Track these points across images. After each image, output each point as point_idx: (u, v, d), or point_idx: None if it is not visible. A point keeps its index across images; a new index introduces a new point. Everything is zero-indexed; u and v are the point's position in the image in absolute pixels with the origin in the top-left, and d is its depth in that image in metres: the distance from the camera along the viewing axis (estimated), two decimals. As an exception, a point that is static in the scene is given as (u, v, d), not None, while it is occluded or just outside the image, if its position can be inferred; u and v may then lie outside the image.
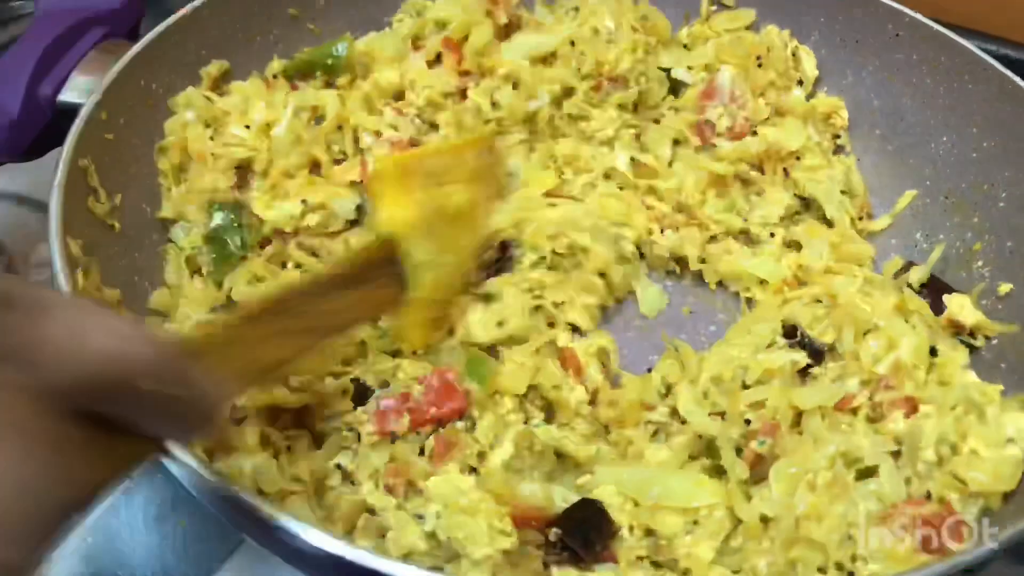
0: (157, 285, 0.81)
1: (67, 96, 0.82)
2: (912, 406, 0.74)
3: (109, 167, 0.78)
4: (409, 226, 0.73)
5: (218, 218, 0.84)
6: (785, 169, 0.98)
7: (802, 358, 0.79)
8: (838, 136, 1.03)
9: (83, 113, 0.76)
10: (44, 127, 0.82)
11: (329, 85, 0.95)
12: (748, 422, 0.74)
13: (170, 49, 0.87)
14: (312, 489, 0.70)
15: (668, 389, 0.81)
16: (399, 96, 0.95)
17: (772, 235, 0.94)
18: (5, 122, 0.79)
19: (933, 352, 0.80)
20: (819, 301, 0.84)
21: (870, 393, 0.76)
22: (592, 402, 0.78)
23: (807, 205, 0.98)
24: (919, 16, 0.97)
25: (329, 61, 0.94)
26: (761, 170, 0.97)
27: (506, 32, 1.00)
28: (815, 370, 0.80)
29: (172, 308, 0.79)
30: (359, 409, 0.73)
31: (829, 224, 0.95)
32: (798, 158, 0.98)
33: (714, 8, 1.08)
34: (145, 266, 0.81)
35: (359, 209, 0.90)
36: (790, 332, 0.82)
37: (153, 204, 0.85)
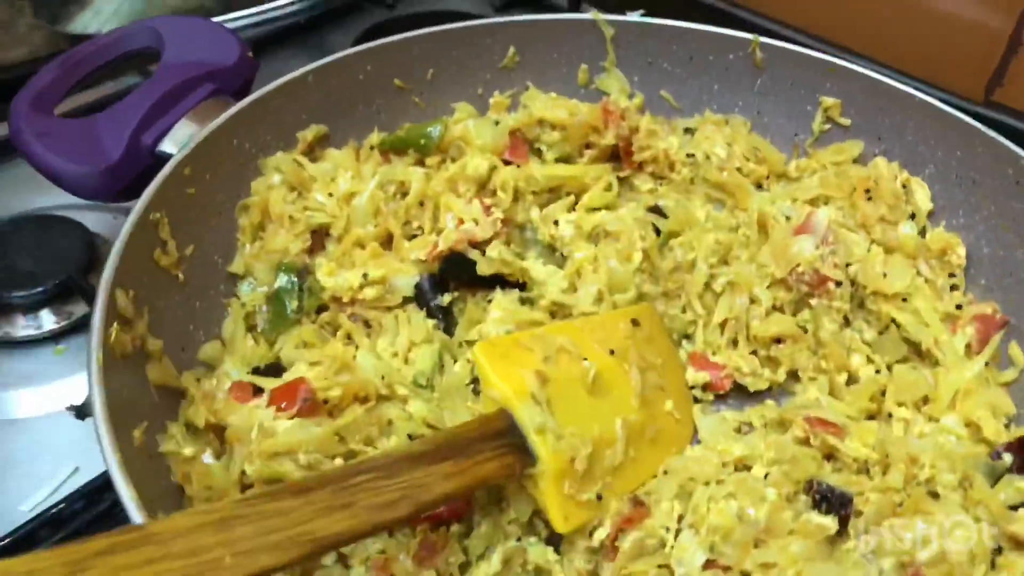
0: (210, 337, 0.86)
1: (165, 146, 0.89)
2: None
3: (185, 220, 0.83)
4: (519, 396, 0.73)
5: (282, 280, 0.88)
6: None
7: (831, 524, 0.74)
8: (953, 275, 0.96)
9: (166, 169, 0.81)
10: (140, 173, 0.88)
11: (420, 163, 0.98)
12: (751, 586, 0.69)
13: (271, 111, 0.93)
14: (298, 568, 0.71)
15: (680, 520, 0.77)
16: (483, 184, 0.96)
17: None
18: (103, 167, 0.86)
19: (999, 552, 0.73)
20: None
21: (902, 585, 0.70)
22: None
23: (917, 350, 0.92)
24: (1044, 166, 0.89)
25: (423, 142, 0.97)
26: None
27: (613, 153, 0.99)
28: (848, 543, 0.74)
29: (219, 362, 0.83)
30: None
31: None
32: (904, 299, 0.92)
33: (827, 127, 1.04)
34: (203, 317, 0.85)
35: (417, 287, 0.91)
36: (807, 487, 0.77)
37: (226, 258, 0.90)
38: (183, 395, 0.78)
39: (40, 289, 1.07)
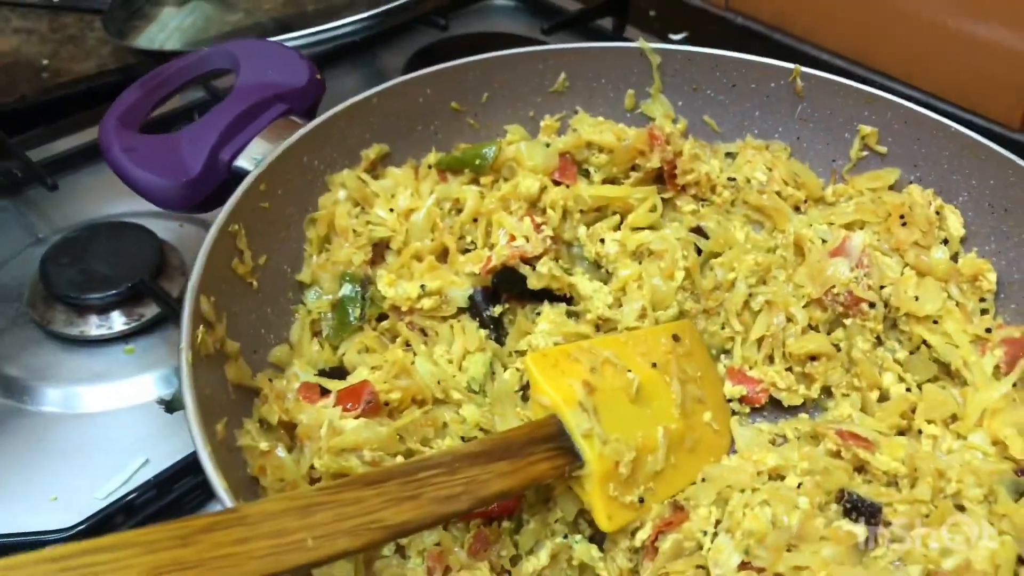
0: (280, 340, 0.92)
1: (241, 162, 0.95)
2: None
3: (260, 232, 0.90)
4: (567, 403, 0.79)
5: (346, 289, 0.94)
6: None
7: (861, 532, 0.78)
8: (984, 299, 1.00)
9: (244, 185, 0.88)
10: (218, 187, 0.95)
11: (474, 182, 1.04)
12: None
13: (337, 131, 0.99)
14: (362, 555, 0.77)
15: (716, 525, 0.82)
16: (533, 202, 1.02)
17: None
18: (185, 180, 0.92)
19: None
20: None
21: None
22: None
23: (947, 370, 0.96)
24: (1074, 198, 0.93)
25: (477, 162, 1.03)
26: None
27: (657, 175, 1.05)
28: (878, 550, 0.78)
29: (287, 364, 0.89)
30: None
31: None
32: (935, 321, 0.96)
33: (864, 154, 1.08)
34: (274, 321, 0.92)
35: (471, 299, 0.96)
36: (838, 496, 0.81)
37: (294, 267, 0.96)
38: (256, 394, 0.84)
39: (114, 292, 1.14)
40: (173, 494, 0.96)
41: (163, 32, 1.78)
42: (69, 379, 1.11)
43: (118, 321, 1.15)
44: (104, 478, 1.01)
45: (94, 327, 1.15)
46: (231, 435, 0.76)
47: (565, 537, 0.79)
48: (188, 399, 0.68)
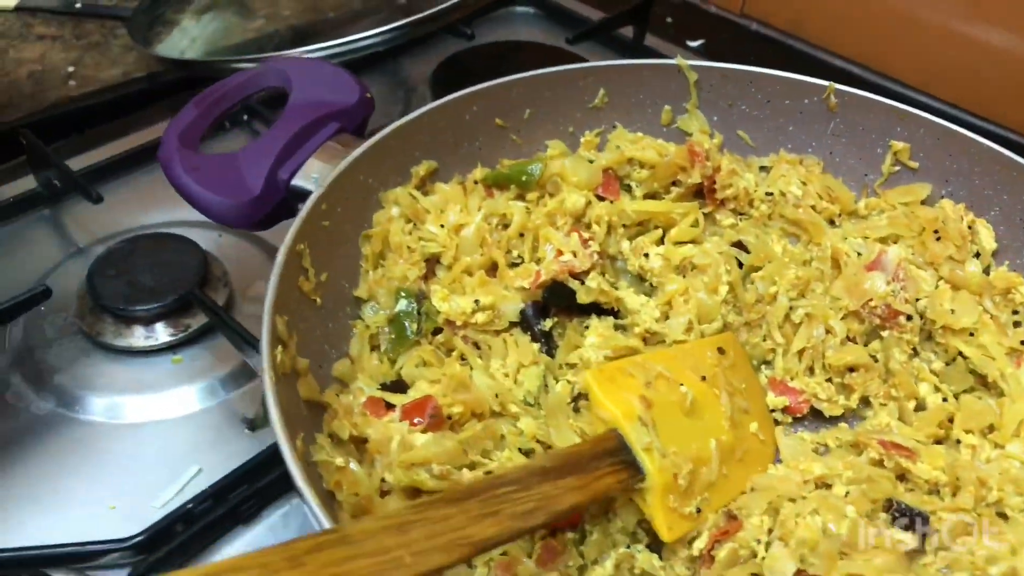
0: (341, 355, 0.94)
1: (298, 181, 0.97)
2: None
3: (321, 250, 0.92)
4: (627, 418, 0.82)
5: (402, 304, 0.97)
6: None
7: (910, 540, 0.81)
8: (1016, 312, 1.03)
9: (308, 205, 0.90)
10: (276, 205, 0.97)
11: (520, 197, 1.07)
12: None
13: (389, 149, 1.02)
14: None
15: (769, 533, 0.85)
16: (578, 217, 1.04)
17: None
18: (248, 199, 0.94)
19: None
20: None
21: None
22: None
23: (983, 381, 0.99)
24: (1106, 215, 0.96)
25: (524, 178, 1.05)
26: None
27: (697, 190, 1.08)
28: (926, 558, 0.81)
29: (351, 379, 0.92)
30: (463, 482, 0.83)
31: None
32: (971, 334, 1.00)
33: (896, 169, 1.11)
34: (334, 336, 0.94)
35: (522, 313, 0.99)
36: (886, 505, 0.84)
37: (351, 283, 0.98)
38: (324, 409, 0.87)
39: (161, 303, 1.16)
40: (229, 503, 0.98)
41: (184, 38, 1.80)
42: (119, 389, 1.13)
43: (165, 332, 1.18)
44: (159, 487, 1.03)
45: (142, 338, 1.17)
46: (307, 450, 0.79)
47: (628, 547, 0.82)
48: (276, 420, 0.71)
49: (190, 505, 0.97)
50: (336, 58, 1.43)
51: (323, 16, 1.89)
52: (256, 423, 0.96)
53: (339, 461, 0.79)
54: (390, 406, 0.88)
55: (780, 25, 1.89)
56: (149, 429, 1.10)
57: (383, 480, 0.82)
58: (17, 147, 1.42)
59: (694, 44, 1.85)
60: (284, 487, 1.01)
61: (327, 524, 0.65)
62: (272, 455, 1.00)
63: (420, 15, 1.48)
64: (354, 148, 0.98)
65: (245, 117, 1.54)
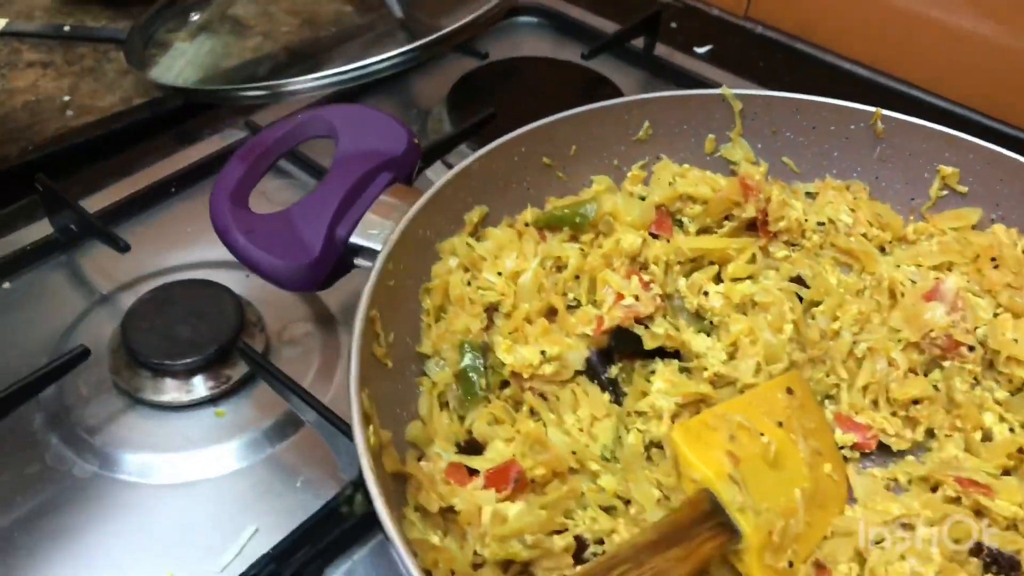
0: (411, 415, 0.92)
1: (357, 239, 0.95)
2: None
3: (387, 310, 0.90)
4: (719, 478, 0.81)
5: (467, 358, 0.95)
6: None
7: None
8: None
9: (377, 266, 0.88)
10: (335, 263, 0.94)
11: (574, 239, 1.05)
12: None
13: (445, 198, 0.99)
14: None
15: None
16: (634, 256, 1.03)
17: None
18: (307, 261, 0.92)
19: None
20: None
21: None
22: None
23: None
24: None
25: (577, 219, 1.03)
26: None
27: (751, 224, 1.07)
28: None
29: (425, 442, 0.90)
30: (578, 568, 0.82)
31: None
32: None
33: (944, 193, 1.11)
34: (404, 397, 0.92)
35: (588, 361, 0.98)
36: (975, 549, 0.85)
37: (414, 339, 0.96)
38: (405, 479, 0.85)
39: (203, 356, 1.13)
40: (292, 567, 0.96)
41: (180, 60, 1.75)
42: (163, 447, 1.10)
43: (205, 385, 1.15)
44: (217, 551, 1.00)
45: (184, 392, 1.14)
46: (402, 530, 0.77)
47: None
48: (381, 509, 0.69)
49: (253, 572, 0.95)
50: (343, 84, 1.41)
51: (322, 32, 1.85)
52: (356, 507, 0.93)
53: (435, 539, 0.78)
54: (472, 472, 0.86)
55: (787, 28, 1.89)
56: (198, 488, 1.07)
57: (475, 552, 0.80)
58: (25, 186, 1.36)
59: (701, 50, 1.84)
60: (344, 546, 0.99)
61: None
62: (330, 513, 0.98)
63: (431, 37, 1.45)
64: (409, 199, 0.96)
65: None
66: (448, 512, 0.83)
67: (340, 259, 0.95)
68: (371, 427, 0.76)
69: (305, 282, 0.92)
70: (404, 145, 1.00)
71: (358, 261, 0.96)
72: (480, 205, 1.04)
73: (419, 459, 0.87)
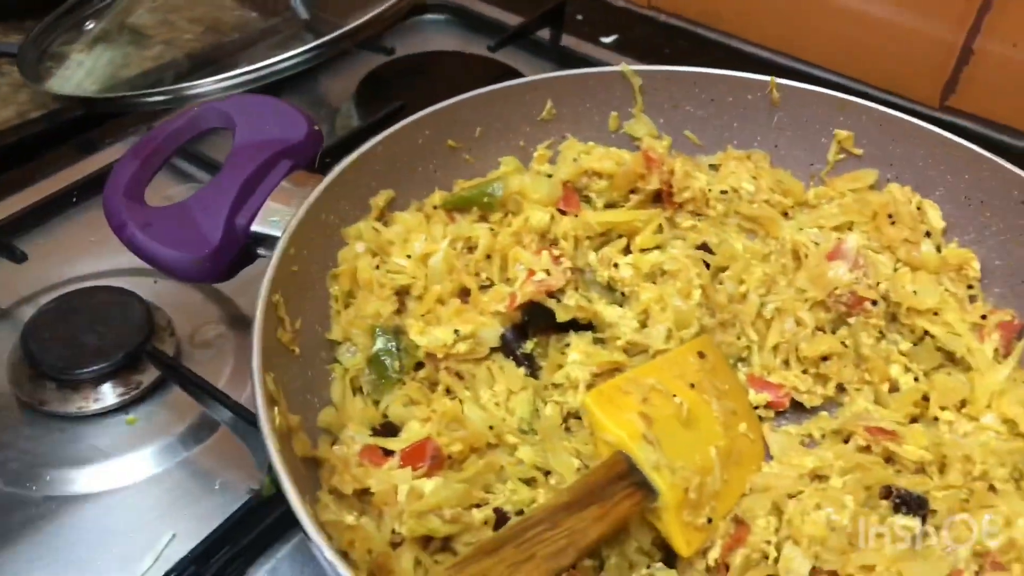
0: (324, 402, 0.91)
1: (258, 226, 0.93)
2: (1022, 593, 0.77)
3: (293, 296, 0.88)
4: (633, 439, 0.81)
5: (380, 342, 0.94)
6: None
7: (916, 525, 0.83)
8: (971, 286, 1.07)
9: (277, 251, 0.86)
10: (237, 254, 0.92)
11: (482, 219, 1.04)
12: (859, 590, 0.79)
13: (348, 182, 0.98)
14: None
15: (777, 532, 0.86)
16: (543, 234, 1.03)
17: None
18: (207, 251, 0.89)
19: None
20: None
21: (978, 568, 0.80)
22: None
23: (950, 357, 1.02)
24: (1047, 190, 1.01)
25: (485, 199, 1.03)
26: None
27: (655, 196, 1.08)
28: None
29: (338, 427, 0.88)
30: (497, 532, 0.81)
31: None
32: (935, 313, 1.03)
33: (841, 156, 1.14)
34: (315, 384, 0.91)
35: (503, 338, 0.97)
36: (884, 492, 0.87)
37: (324, 326, 0.95)
38: (319, 464, 0.83)
39: (109, 363, 1.10)
40: (212, 568, 0.94)
41: (80, 71, 1.70)
42: (73, 459, 1.06)
43: (114, 393, 1.11)
44: (134, 560, 0.98)
45: (92, 401, 1.10)
46: (314, 512, 0.75)
47: (648, 567, 0.82)
48: (288, 488, 0.67)
49: (172, 575, 0.92)
50: (249, 85, 1.38)
51: (224, 38, 1.82)
52: (263, 491, 0.91)
53: (349, 520, 0.76)
54: (388, 453, 0.85)
55: (690, 15, 1.92)
56: (113, 498, 1.04)
57: (393, 531, 0.79)
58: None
59: (607, 40, 1.86)
60: (266, 543, 0.97)
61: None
62: (248, 512, 0.95)
63: (334, 35, 1.43)
64: (311, 185, 0.94)
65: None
66: (364, 494, 0.82)
67: (242, 249, 0.93)
68: (276, 409, 0.75)
69: (205, 273, 0.90)
70: (304, 131, 0.99)
71: (261, 251, 0.94)
72: (386, 189, 1.03)
73: (332, 444, 0.86)
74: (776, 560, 0.84)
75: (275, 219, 0.92)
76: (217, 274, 0.92)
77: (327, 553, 0.64)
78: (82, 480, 1.05)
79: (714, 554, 0.84)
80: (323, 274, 0.96)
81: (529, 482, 0.88)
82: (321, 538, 0.65)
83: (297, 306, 0.89)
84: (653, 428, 0.83)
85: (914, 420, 0.99)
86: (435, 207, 1.05)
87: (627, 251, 1.07)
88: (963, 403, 0.98)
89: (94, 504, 1.03)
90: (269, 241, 0.91)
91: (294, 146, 0.99)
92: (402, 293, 0.99)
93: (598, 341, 1.00)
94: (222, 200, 0.92)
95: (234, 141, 0.97)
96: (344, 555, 0.76)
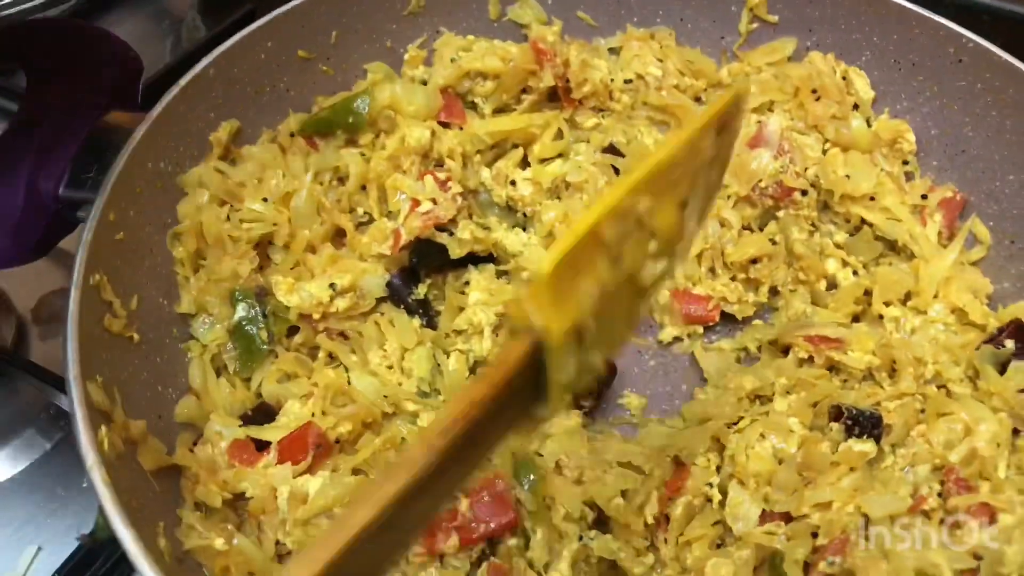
0: (181, 391, 0.76)
1: (69, 189, 0.75)
2: (990, 514, 0.69)
3: (121, 270, 0.72)
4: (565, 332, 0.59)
5: (241, 310, 0.79)
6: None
7: (871, 448, 0.75)
8: (907, 162, 0.96)
9: (91, 219, 0.69)
10: (49, 224, 0.75)
11: (351, 143, 0.88)
12: (815, 535, 0.70)
13: (176, 120, 0.80)
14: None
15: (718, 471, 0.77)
16: (425, 154, 0.88)
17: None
18: (8, 226, 0.72)
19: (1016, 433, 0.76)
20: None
21: (943, 491, 0.72)
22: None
23: (891, 245, 0.92)
24: (984, 42, 0.89)
25: (350, 119, 0.87)
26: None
27: (552, 94, 0.93)
28: (886, 460, 0.75)
29: (201, 418, 0.74)
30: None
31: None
32: (872, 198, 0.92)
33: (754, 26, 1.00)
34: (167, 371, 0.76)
35: (389, 285, 0.84)
36: (835, 413, 0.78)
37: (170, 298, 0.79)
38: (180, 472, 0.69)
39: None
40: (87, 584, 0.81)
41: None
42: (-95, 476, 0.91)
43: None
44: (-4, 580, 0.84)
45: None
46: (174, 541, 0.62)
47: (581, 539, 0.71)
48: (120, 529, 0.54)
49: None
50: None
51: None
52: (97, 532, 0.77)
53: (219, 543, 0.63)
54: (262, 445, 0.71)
55: None
56: (-39, 514, 0.89)
57: (278, 542, 0.66)
58: None
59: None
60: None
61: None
62: (85, 557, 0.82)
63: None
64: (132, 126, 0.76)
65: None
66: (238, 500, 0.69)
67: (55, 217, 0.76)
68: (103, 428, 0.60)
69: (12, 254, 0.73)
70: (116, 60, 0.80)
71: (81, 213, 0.77)
72: (228, 120, 0.86)
73: (194, 444, 0.72)
74: (722, 503, 0.74)
75: (88, 175, 0.75)
76: (27, 253, 0.75)
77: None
78: (-78, 498, 0.89)
79: (651, 509, 0.74)
80: (161, 236, 0.79)
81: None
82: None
83: (130, 281, 0.73)
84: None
85: (856, 319, 0.89)
86: (292, 134, 0.88)
87: (525, 164, 0.93)
88: (908, 296, 0.88)
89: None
90: (87, 203, 0.74)
91: (104, 80, 0.80)
92: (262, 245, 0.84)
93: (501, 274, 0.87)
94: (17, 163, 0.74)
95: (26, 84, 0.78)
96: (222, 581, 0.64)
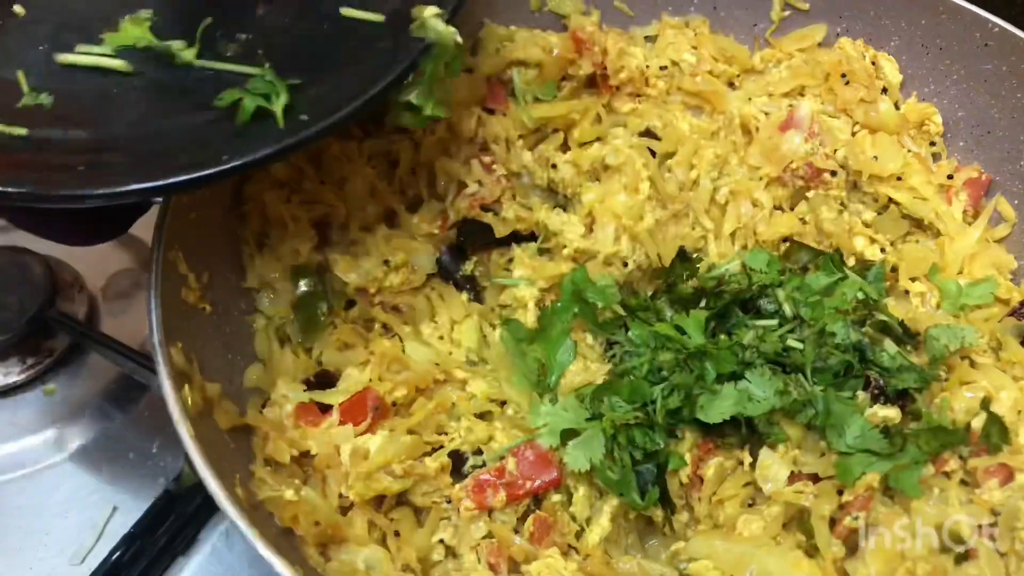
0: (249, 359, 0.82)
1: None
2: (1008, 474, 0.74)
3: (194, 247, 0.78)
4: None
5: (303, 285, 0.85)
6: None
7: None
8: (934, 143, 1.00)
9: (167, 204, 0.75)
10: (127, 205, 0.81)
11: (400, 130, 0.93)
12: (841, 493, 0.74)
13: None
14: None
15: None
16: (471, 139, 0.93)
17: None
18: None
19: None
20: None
21: (963, 454, 0.76)
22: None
23: (918, 224, 0.96)
24: (1010, 27, 0.92)
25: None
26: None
27: (591, 80, 0.98)
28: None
29: (268, 385, 0.80)
30: (457, 486, 0.75)
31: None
32: (899, 178, 0.96)
33: (786, 13, 1.04)
34: (236, 341, 0.82)
35: (439, 262, 0.89)
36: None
37: (237, 273, 0.85)
38: (251, 431, 0.76)
39: (9, 335, 0.99)
40: (161, 540, 0.88)
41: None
42: (-7, 440, 0.98)
43: (24, 363, 1.02)
44: (76, 539, 0.91)
45: (1, 376, 1.00)
46: (248, 492, 0.68)
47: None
48: (210, 481, 0.60)
49: (117, 553, 0.86)
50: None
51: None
52: (183, 480, 0.84)
53: (289, 494, 0.69)
54: (325, 408, 0.77)
55: None
56: (42, 475, 0.96)
57: (341, 495, 0.72)
58: None
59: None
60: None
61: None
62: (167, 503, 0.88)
63: None
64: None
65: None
66: (304, 457, 0.75)
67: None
68: (187, 387, 0.66)
69: (95, 233, 0.78)
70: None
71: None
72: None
73: (263, 407, 0.78)
74: (752, 465, 0.79)
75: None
76: (111, 228, 0.80)
77: (261, 550, 0.57)
78: (9, 462, 0.96)
79: (686, 470, 0.78)
80: (226, 216, 0.85)
81: (484, 415, 0.81)
82: (250, 530, 0.58)
83: (202, 257, 0.79)
84: None
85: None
86: (347, 122, 0.94)
87: (565, 147, 0.98)
88: (934, 270, 0.92)
89: (21, 485, 0.95)
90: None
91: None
92: (324, 225, 0.89)
93: (543, 252, 0.92)
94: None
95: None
96: (289, 531, 0.70)
